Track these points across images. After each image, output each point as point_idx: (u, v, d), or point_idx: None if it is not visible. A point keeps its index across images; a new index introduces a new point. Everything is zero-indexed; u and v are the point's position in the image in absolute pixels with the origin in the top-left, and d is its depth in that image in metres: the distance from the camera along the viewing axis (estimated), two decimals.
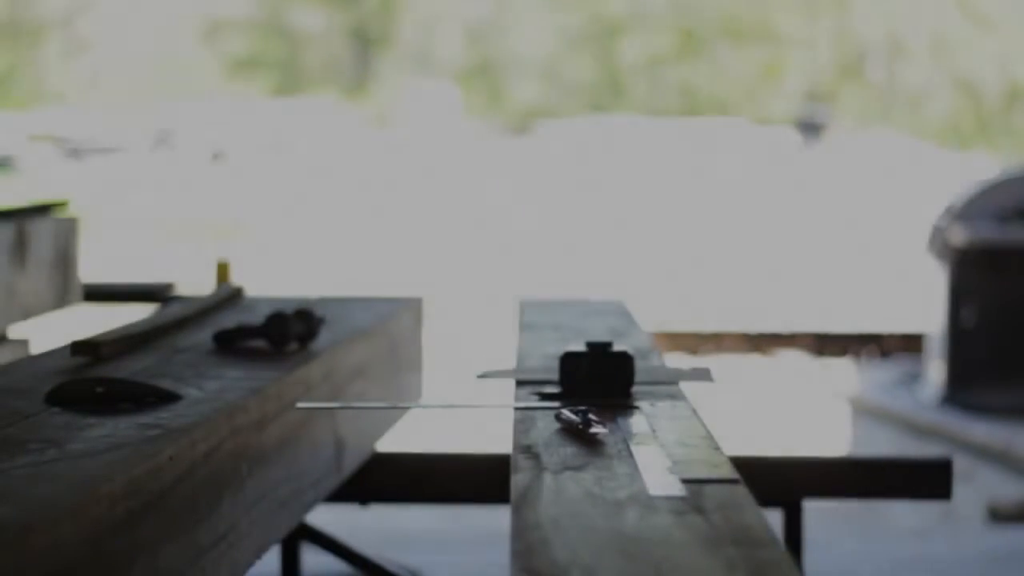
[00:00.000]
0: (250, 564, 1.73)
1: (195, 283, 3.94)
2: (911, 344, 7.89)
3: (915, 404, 7.04)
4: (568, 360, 1.84)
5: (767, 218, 16.01)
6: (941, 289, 6.92)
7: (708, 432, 1.61)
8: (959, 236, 6.77)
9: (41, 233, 2.84)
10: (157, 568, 1.45)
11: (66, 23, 24.51)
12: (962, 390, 6.83)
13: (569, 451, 1.52)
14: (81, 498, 1.28)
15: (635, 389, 1.83)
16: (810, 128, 22.12)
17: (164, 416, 1.64)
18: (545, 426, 1.64)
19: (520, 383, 1.94)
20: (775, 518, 2.33)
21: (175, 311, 2.40)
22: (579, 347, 1.86)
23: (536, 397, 1.82)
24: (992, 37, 22.82)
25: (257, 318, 2.20)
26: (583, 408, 1.61)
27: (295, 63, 25.76)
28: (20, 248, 2.73)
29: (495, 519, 2.74)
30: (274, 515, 1.84)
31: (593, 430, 1.57)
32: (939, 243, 6.95)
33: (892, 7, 23.59)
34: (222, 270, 2.84)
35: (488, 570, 4.26)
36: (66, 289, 2.96)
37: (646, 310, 3.89)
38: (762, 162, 20.17)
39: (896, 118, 23.64)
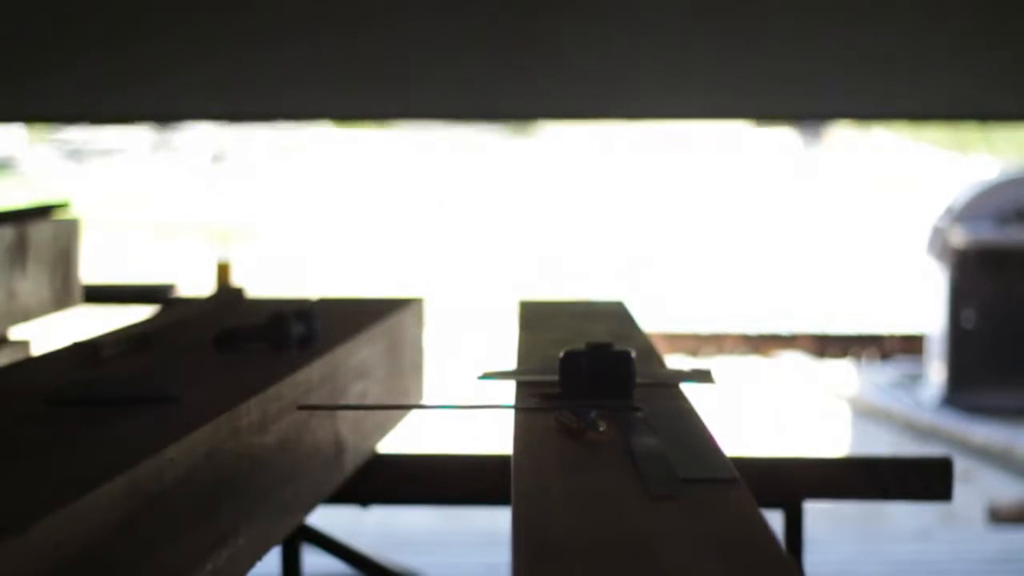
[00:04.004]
0: (251, 566, 1.73)
1: (196, 284, 3.94)
2: (911, 345, 7.89)
3: (915, 405, 7.04)
4: (568, 361, 1.84)
5: (767, 219, 16.01)
6: (941, 290, 6.92)
7: (709, 433, 1.61)
8: (959, 237, 6.77)
9: (42, 235, 2.83)
10: (157, 570, 1.45)
11: None
12: (962, 391, 6.83)
13: (570, 452, 1.52)
14: (81, 499, 1.28)
15: (636, 390, 1.83)
16: (811, 130, 22.11)
17: (165, 418, 1.64)
18: (545, 427, 1.64)
19: (520, 384, 1.93)
20: (775, 519, 2.33)
21: (176, 312, 2.40)
22: (579, 348, 1.86)
23: (536, 398, 1.82)
24: None
25: (258, 319, 2.20)
26: (584, 409, 1.61)
27: None
28: (21, 250, 2.73)
29: (495, 520, 2.74)
30: (275, 516, 1.84)
31: (594, 431, 1.57)
32: (939, 244, 6.96)
33: None
34: (223, 271, 2.84)
35: (488, 571, 4.26)
36: (67, 291, 2.96)
37: (647, 311, 3.89)
38: (763, 163, 20.16)
39: None
